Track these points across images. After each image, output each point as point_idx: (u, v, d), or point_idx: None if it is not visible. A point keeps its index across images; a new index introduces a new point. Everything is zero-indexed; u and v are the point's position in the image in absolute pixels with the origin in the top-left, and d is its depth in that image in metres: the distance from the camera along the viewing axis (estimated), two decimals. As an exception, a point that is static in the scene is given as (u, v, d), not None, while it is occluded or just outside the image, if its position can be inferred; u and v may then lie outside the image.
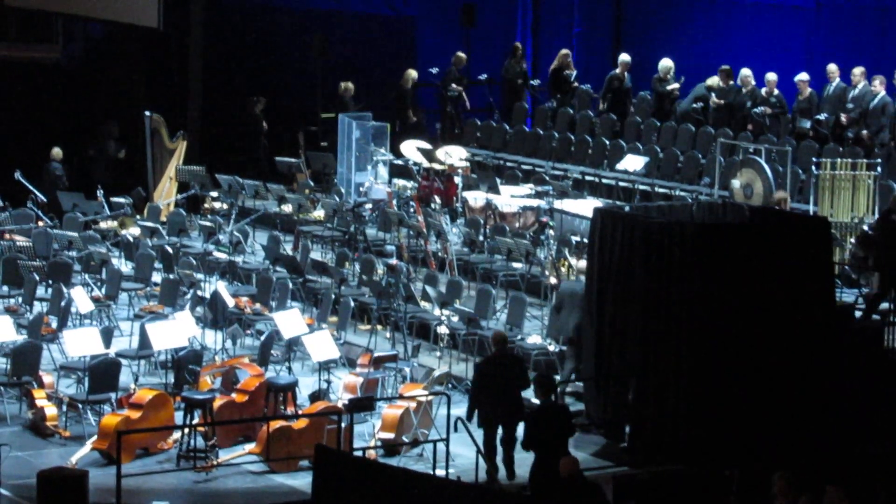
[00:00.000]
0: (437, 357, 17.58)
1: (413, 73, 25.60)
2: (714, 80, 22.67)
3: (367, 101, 25.36)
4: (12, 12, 26.56)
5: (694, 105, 22.89)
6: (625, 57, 23.92)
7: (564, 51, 25.01)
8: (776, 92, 21.71)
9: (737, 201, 18.53)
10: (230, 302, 18.30)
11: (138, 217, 22.64)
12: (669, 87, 23.33)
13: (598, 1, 27.70)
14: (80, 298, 17.97)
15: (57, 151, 24.10)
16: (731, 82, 22.42)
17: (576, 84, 24.76)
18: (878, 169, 19.10)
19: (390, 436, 15.24)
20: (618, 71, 23.95)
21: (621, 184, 22.14)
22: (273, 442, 14.68)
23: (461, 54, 25.77)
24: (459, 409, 15.06)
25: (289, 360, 17.15)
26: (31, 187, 22.45)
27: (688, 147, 22.29)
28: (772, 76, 21.83)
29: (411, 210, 21.39)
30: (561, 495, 12.79)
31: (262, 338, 17.11)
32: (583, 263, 16.84)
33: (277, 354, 17.37)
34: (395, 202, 22.03)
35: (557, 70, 24.80)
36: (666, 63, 23.34)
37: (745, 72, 22.16)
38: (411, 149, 22.93)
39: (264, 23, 27.44)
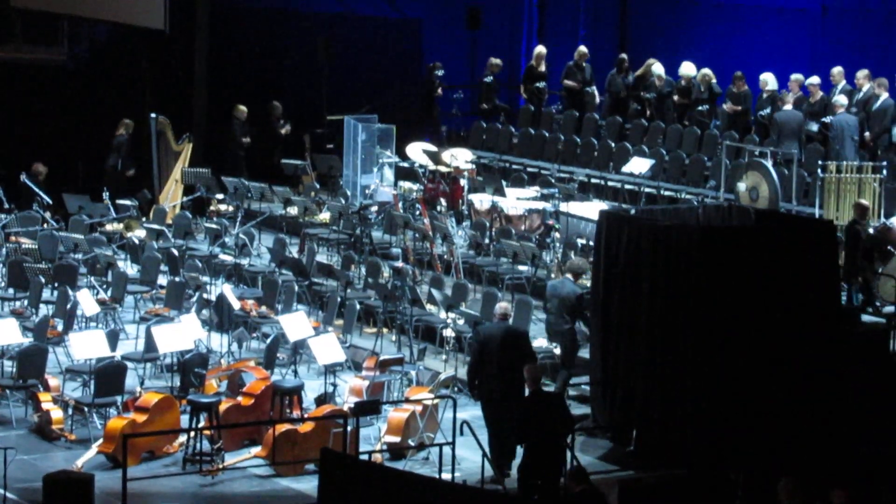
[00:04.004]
0: (442, 360, 17.57)
1: None
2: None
3: (373, 103, 25.37)
4: (17, 14, 26.54)
5: (700, 108, 22.90)
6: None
7: (651, 60, 23.75)
8: (799, 93, 21.58)
9: (742, 204, 18.53)
10: (236, 305, 18.30)
11: (144, 220, 22.65)
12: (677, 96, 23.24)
13: (604, 4, 27.70)
14: (86, 301, 17.97)
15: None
16: (745, 87, 22.32)
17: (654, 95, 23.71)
18: (884, 172, 19.10)
19: (396, 439, 15.22)
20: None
21: (627, 186, 22.13)
22: (279, 445, 14.68)
23: (437, 63, 25.65)
24: (465, 413, 15.06)
25: (294, 363, 17.14)
26: (36, 189, 22.45)
27: (693, 150, 22.29)
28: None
29: (417, 213, 21.39)
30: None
31: (268, 341, 17.10)
32: (576, 262, 16.76)
33: (283, 357, 17.37)
34: (400, 205, 22.03)
35: (641, 77, 23.83)
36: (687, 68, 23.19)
37: (768, 76, 21.94)
38: (417, 151, 22.93)
39: (270, 25, 27.43)
